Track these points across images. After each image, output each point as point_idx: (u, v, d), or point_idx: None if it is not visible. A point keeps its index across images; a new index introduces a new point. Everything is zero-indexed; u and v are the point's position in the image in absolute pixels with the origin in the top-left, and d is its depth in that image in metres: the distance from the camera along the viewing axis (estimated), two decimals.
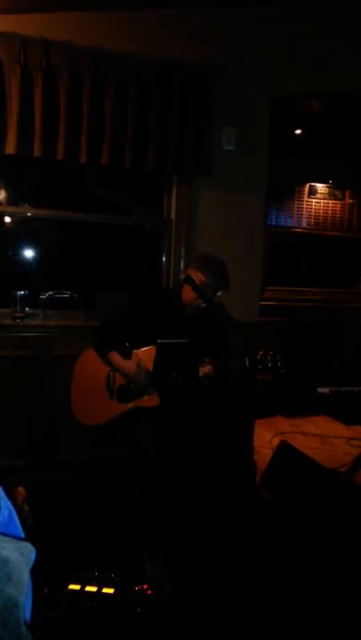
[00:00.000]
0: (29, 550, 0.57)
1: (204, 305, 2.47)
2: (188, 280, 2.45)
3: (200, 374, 2.44)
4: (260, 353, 2.37)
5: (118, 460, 2.86)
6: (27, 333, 2.88)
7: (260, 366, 2.36)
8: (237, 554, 2.44)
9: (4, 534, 0.59)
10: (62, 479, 2.91)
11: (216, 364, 2.40)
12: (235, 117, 3.09)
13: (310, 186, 5.11)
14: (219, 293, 2.47)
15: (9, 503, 0.65)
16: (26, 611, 0.56)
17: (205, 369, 2.43)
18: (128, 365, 2.41)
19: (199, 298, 2.42)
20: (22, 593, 0.53)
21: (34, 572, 0.59)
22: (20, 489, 2.51)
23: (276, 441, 3.42)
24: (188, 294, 2.45)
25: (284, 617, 2.03)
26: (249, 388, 3.30)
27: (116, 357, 2.43)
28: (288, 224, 5.10)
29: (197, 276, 2.41)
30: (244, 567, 2.35)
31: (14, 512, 0.65)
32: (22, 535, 0.64)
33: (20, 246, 3.66)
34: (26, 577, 0.55)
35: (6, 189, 3.40)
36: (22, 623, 0.52)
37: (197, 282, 2.41)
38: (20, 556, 0.55)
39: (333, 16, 3.17)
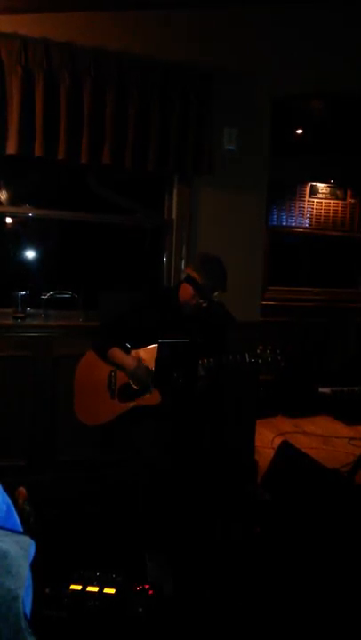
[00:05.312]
0: (28, 544, 0.57)
1: (204, 304, 2.47)
2: (188, 279, 2.45)
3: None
4: (260, 348, 2.36)
5: (119, 460, 2.86)
6: (28, 333, 2.88)
7: (259, 361, 2.35)
8: (239, 553, 2.44)
9: (3, 528, 0.59)
10: (63, 479, 2.91)
11: (216, 360, 2.39)
12: (236, 117, 3.09)
13: (311, 185, 5.11)
14: (216, 293, 2.47)
15: (7, 498, 0.64)
16: (26, 605, 0.55)
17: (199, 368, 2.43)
18: (129, 360, 2.41)
19: (198, 297, 2.42)
20: (21, 586, 0.53)
21: (34, 567, 0.58)
22: (22, 489, 2.50)
23: (277, 441, 3.41)
24: (187, 293, 2.45)
25: (286, 616, 2.02)
26: (250, 387, 3.30)
27: (116, 352, 2.43)
28: (289, 224, 5.10)
29: (195, 276, 2.42)
30: (246, 567, 2.34)
31: (13, 507, 0.65)
32: (21, 529, 0.63)
33: (21, 246, 3.66)
34: (25, 570, 0.54)
35: (7, 190, 3.40)
36: (22, 617, 0.52)
37: (195, 281, 2.41)
38: (20, 549, 0.55)
39: (335, 16, 3.17)
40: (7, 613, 0.51)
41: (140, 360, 2.41)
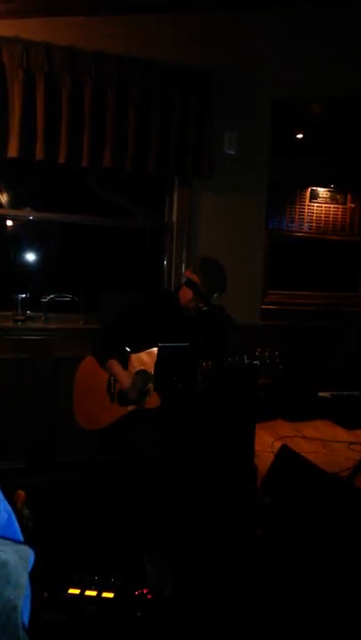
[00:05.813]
0: (28, 553, 0.57)
1: (205, 308, 2.46)
2: (188, 282, 2.45)
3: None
4: (259, 350, 2.36)
5: (119, 460, 2.85)
6: (28, 336, 2.88)
7: (258, 362, 2.35)
8: (239, 555, 2.43)
9: (3, 537, 0.59)
10: (63, 480, 2.91)
11: (216, 362, 2.39)
12: (236, 120, 3.09)
13: (312, 190, 5.11)
14: (215, 295, 2.47)
15: (8, 506, 0.64)
16: (24, 614, 0.55)
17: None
18: (124, 379, 2.40)
19: (197, 300, 2.42)
20: (20, 596, 0.52)
21: (33, 575, 0.58)
22: (21, 492, 2.51)
23: (277, 445, 3.41)
24: (187, 296, 2.46)
25: (286, 617, 2.02)
26: (250, 389, 3.29)
27: (114, 366, 2.43)
28: (289, 228, 5.10)
29: (195, 279, 2.42)
30: (246, 568, 2.34)
31: (13, 515, 0.64)
32: (21, 538, 0.63)
33: (22, 249, 3.66)
34: (24, 580, 0.54)
35: (8, 192, 3.40)
36: (20, 626, 0.52)
37: (195, 284, 2.42)
38: (19, 559, 0.55)
39: (335, 16, 3.17)
40: (6, 623, 0.51)
41: (134, 379, 2.41)
